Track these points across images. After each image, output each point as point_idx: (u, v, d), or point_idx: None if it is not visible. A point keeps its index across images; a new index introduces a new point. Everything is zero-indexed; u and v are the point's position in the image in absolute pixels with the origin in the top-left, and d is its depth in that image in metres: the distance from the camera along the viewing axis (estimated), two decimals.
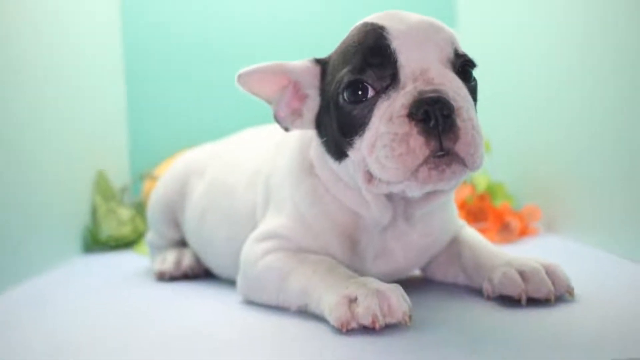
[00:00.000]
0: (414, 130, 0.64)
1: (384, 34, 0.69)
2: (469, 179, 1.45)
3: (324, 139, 0.76)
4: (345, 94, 0.70)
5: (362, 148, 0.69)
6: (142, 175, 1.63)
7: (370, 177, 0.70)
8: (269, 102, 0.80)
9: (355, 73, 0.69)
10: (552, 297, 0.72)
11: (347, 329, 0.64)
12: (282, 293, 0.77)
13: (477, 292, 0.81)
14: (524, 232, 1.32)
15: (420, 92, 0.64)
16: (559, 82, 1.25)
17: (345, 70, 0.70)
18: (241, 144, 1.06)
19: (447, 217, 0.87)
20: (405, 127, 0.64)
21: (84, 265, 1.27)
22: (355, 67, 0.69)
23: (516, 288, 0.72)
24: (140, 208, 1.58)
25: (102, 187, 1.55)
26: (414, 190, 0.69)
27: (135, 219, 1.54)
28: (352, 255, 0.81)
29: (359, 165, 0.70)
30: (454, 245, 0.87)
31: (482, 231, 1.25)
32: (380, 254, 0.82)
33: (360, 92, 0.69)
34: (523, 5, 1.44)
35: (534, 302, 0.72)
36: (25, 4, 1.17)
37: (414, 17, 0.71)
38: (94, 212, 1.50)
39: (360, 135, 0.69)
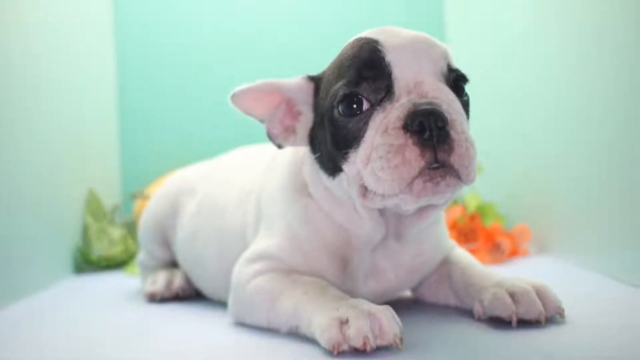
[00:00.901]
0: (409, 142, 0.64)
1: (379, 47, 0.70)
2: (460, 199, 1.46)
3: (318, 154, 0.77)
4: (340, 108, 0.71)
5: (357, 161, 0.69)
6: (133, 194, 1.63)
7: (365, 191, 0.70)
8: (262, 120, 0.81)
9: (350, 86, 0.70)
10: (543, 319, 0.72)
11: (338, 351, 0.64)
12: (273, 314, 0.77)
13: (467, 313, 0.81)
14: (514, 253, 1.32)
15: (415, 105, 0.65)
16: (550, 100, 1.26)
17: (340, 84, 0.71)
18: (232, 164, 1.06)
19: (437, 237, 0.87)
20: (400, 138, 0.65)
21: (74, 286, 1.26)
22: (351, 81, 0.70)
23: (506, 309, 0.73)
24: (131, 227, 1.57)
25: (93, 206, 1.54)
26: (408, 204, 0.69)
27: (127, 239, 1.54)
28: (343, 276, 0.81)
29: (354, 179, 0.71)
30: (445, 266, 0.88)
31: (473, 251, 1.25)
32: (371, 273, 0.82)
33: (355, 105, 0.70)
34: (512, 23, 1.46)
35: (524, 323, 0.72)
36: (18, 17, 1.17)
37: (408, 32, 0.73)
38: (85, 232, 1.49)
39: (355, 149, 0.70)
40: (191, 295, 1.07)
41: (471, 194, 1.52)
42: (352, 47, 0.73)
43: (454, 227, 1.39)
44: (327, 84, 0.75)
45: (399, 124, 0.65)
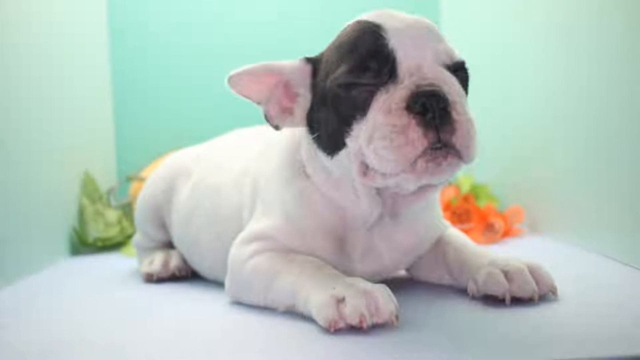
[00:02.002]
0: (413, 122, 0.66)
1: (382, 33, 0.71)
2: (454, 180, 1.47)
3: (316, 134, 0.77)
4: (348, 77, 0.71)
5: (360, 137, 0.70)
6: (129, 177, 1.63)
7: (365, 169, 0.71)
8: (259, 102, 0.80)
9: (353, 74, 0.70)
10: (536, 297, 0.73)
11: (334, 329, 0.65)
12: (270, 293, 0.78)
13: (462, 291, 0.82)
14: (507, 233, 1.33)
15: (418, 86, 0.67)
16: (542, 83, 1.27)
17: (341, 70, 0.71)
18: (227, 145, 1.07)
19: (432, 217, 0.88)
20: (404, 119, 0.66)
21: (71, 268, 1.27)
22: (353, 69, 0.71)
23: (500, 288, 0.74)
24: (127, 209, 1.57)
25: (89, 189, 1.54)
26: (409, 183, 0.71)
27: (123, 220, 1.54)
28: (339, 255, 0.81)
29: (355, 156, 0.71)
30: (439, 245, 0.89)
31: (467, 232, 1.26)
32: (367, 253, 0.82)
33: (357, 81, 0.71)
34: (508, 9, 1.46)
35: (518, 301, 0.73)
36: (18, 6, 1.17)
37: (408, 16, 0.74)
38: (81, 214, 1.50)
39: (358, 123, 0.70)
40: (188, 275, 1.08)
41: (465, 175, 1.53)
42: (353, 30, 0.74)
43: (447, 207, 1.40)
44: (327, 64, 0.75)
45: (402, 104, 0.67)
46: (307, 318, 0.71)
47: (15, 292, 1.02)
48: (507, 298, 0.73)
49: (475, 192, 1.50)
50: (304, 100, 0.79)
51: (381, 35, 0.70)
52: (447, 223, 0.92)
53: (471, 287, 0.78)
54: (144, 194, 1.15)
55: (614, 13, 0.98)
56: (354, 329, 0.65)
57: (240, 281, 0.83)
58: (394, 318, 0.66)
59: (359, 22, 0.74)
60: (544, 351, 0.58)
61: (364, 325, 0.64)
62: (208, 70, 1.95)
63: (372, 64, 0.70)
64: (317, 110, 0.77)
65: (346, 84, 0.71)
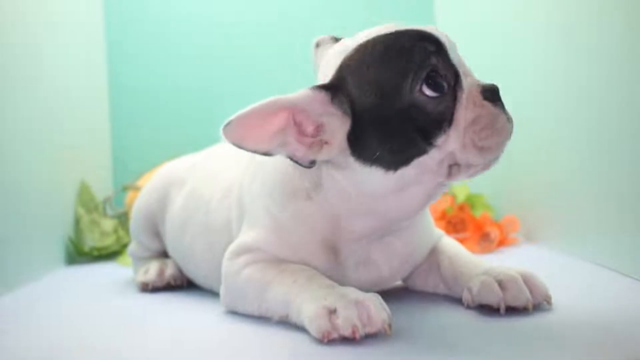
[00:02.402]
0: (499, 110, 0.71)
1: (433, 36, 0.72)
2: (450, 189, 1.47)
3: (377, 153, 0.71)
4: (425, 89, 0.69)
5: (449, 141, 0.70)
6: (125, 186, 1.63)
7: (451, 169, 0.72)
8: (270, 150, 0.70)
9: (432, 87, 0.70)
10: (530, 306, 0.73)
11: (328, 340, 0.65)
12: (264, 304, 0.78)
13: (457, 301, 0.82)
14: (503, 242, 1.33)
15: (479, 84, 0.73)
16: (537, 91, 1.27)
17: (417, 86, 0.69)
18: (218, 156, 1.06)
19: (425, 225, 0.88)
20: (492, 108, 0.71)
21: (67, 277, 1.27)
22: (430, 82, 0.69)
23: (495, 297, 0.74)
24: (123, 219, 1.58)
25: (85, 198, 1.54)
26: (479, 171, 0.74)
27: (118, 229, 1.54)
28: (333, 266, 0.81)
29: (442, 162, 0.71)
30: (434, 255, 0.89)
31: (462, 241, 1.26)
32: (363, 262, 0.82)
33: (439, 85, 0.70)
34: (500, 16, 1.47)
35: (513, 310, 0.73)
36: (16, 8, 1.17)
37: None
38: (76, 223, 1.50)
39: (445, 131, 0.70)
40: (183, 284, 1.08)
41: (460, 185, 1.53)
42: (398, 37, 0.71)
43: (443, 217, 1.40)
44: (375, 84, 0.71)
45: (483, 96, 0.72)
46: (302, 327, 0.71)
47: (12, 301, 1.02)
48: (502, 307, 0.73)
49: (471, 201, 1.50)
50: (334, 127, 0.71)
51: (441, 42, 0.72)
52: (441, 232, 0.92)
53: (466, 296, 0.78)
54: (139, 203, 1.15)
55: (613, 13, 0.98)
56: (348, 339, 0.65)
57: (234, 293, 0.83)
58: (386, 327, 0.65)
59: (400, 32, 0.72)
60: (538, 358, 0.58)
61: (357, 335, 0.64)
62: (205, 81, 1.95)
63: (445, 74, 0.70)
64: (366, 131, 0.71)
65: (431, 98, 0.69)
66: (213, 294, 0.96)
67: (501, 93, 0.73)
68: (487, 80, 0.74)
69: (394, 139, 0.70)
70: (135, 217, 1.15)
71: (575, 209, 1.13)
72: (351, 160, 0.72)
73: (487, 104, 0.71)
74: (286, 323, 0.74)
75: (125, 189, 1.64)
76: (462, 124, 0.70)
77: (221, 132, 0.66)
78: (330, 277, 0.78)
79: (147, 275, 1.07)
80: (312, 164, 0.72)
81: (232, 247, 0.84)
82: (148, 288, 1.06)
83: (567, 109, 1.14)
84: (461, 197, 1.49)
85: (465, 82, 0.72)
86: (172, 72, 1.96)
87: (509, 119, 0.72)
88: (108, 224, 1.53)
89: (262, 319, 0.78)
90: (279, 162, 0.80)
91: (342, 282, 0.78)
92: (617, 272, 0.96)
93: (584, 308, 0.75)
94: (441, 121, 0.70)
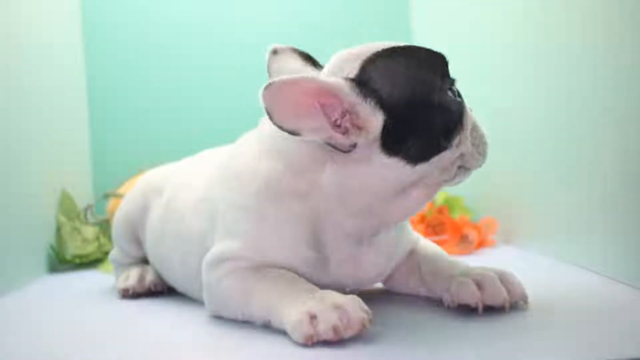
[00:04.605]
0: None
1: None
2: None
3: (407, 145, 0.72)
4: (449, 92, 0.76)
5: (462, 143, 0.75)
6: (106, 194, 1.63)
7: (458, 170, 0.77)
8: (297, 130, 0.70)
9: (452, 92, 0.76)
10: (507, 305, 0.75)
11: (311, 343, 0.66)
12: (246, 311, 0.78)
13: (438, 302, 0.83)
14: (482, 244, 1.35)
15: None
16: (511, 95, 1.30)
17: (443, 88, 0.75)
18: (195, 166, 1.05)
19: (405, 224, 0.90)
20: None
21: (49, 285, 1.26)
22: (450, 87, 0.76)
23: (472, 296, 0.76)
24: (105, 226, 1.57)
25: (66, 206, 1.54)
26: (468, 176, 0.81)
27: (100, 237, 1.54)
28: (317, 262, 0.80)
29: (454, 162, 0.76)
30: (413, 257, 0.90)
31: (441, 243, 1.28)
32: (348, 260, 0.81)
33: (456, 90, 0.78)
34: (479, 18, 1.49)
35: (490, 309, 0.75)
36: None
37: None
38: (58, 231, 1.49)
39: (459, 132, 0.75)
40: (164, 290, 1.08)
41: None
42: (419, 52, 0.78)
43: (422, 220, 1.42)
44: (406, 85, 0.73)
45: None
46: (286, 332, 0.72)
47: None
48: (480, 307, 0.75)
49: (450, 204, 1.52)
50: (367, 115, 0.71)
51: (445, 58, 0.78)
52: (417, 234, 0.94)
53: (445, 297, 0.80)
54: (121, 210, 1.15)
55: (588, 15, 1.00)
56: (330, 342, 0.66)
57: (217, 303, 0.83)
58: (366, 323, 0.67)
59: (417, 48, 0.78)
60: (514, 356, 0.60)
61: (338, 338, 0.66)
62: (185, 88, 1.96)
63: (453, 81, 0.77)
64: (397, 124, 0.72)
65: (453, 100, 0.75)
66: (193, 299, 0.97)
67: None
68: (463, 83, 0.78)
69: (423, 134, 0.73)
70: (116, 224, 1.15)
71: (552, 211, 1.15)
72: (376, 150, 0.73)
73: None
74: (270, 327, 0.75)
75: (106, 196, 1.64)
76: (468, 128, 0.76)
77: (259, 93, 0.65)
78: (312, 274, 0.79)
79: (127, 282, 1.08)
80: (352, 147, 0.73)
81: (209, 257, 0.84)
82: (129, 294, 1.06)
83: (544, 110, 1.16)
84: (440, 199, 1.51)
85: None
86: (153, 79, 1.96)
87: None
88: (89, 232, 1.53)
89: (246, 323, 0.79)
90: (261, 166, 0.80)
91: (324, 279, 0.80)
92: (593, 272, 0.98)
93: (560, 307, 0.77)
94: (458, 122, 0.75)
